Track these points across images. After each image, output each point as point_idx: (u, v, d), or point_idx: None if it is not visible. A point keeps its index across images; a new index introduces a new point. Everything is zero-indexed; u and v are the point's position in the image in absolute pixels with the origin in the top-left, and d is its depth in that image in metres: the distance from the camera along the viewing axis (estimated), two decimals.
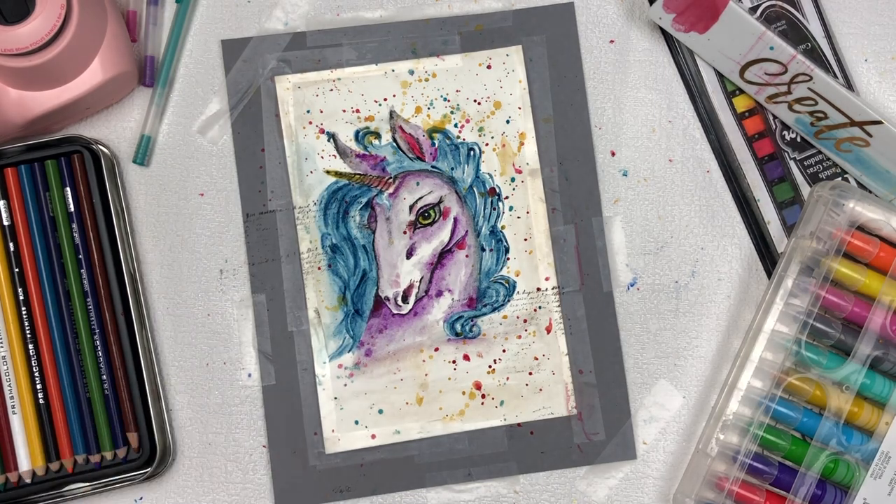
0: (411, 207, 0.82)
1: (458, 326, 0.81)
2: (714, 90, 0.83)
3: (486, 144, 0.82)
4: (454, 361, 0.81)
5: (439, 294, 0.81)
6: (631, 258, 0.82)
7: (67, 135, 0.79)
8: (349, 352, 0.81)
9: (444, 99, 0.82)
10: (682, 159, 0.83)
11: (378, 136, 0.82)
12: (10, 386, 0.78)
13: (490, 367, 0.81)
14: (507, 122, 0.82)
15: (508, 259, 0.82)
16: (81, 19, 0.73)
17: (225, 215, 0.81)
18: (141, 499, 0.80)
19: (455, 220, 0.82)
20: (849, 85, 0.83)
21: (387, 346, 0.81)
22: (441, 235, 0.82)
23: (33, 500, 0.77)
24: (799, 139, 0.83)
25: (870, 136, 0.80)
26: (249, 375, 0.80)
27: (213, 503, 0.80)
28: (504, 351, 0.81)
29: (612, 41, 0.84)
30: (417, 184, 0.82)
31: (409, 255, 0.81)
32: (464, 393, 0.81)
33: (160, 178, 0.81)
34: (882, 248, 0.78)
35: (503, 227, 0.82)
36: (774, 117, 0.83)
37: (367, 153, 0.82)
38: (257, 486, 0.80)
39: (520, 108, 0.83)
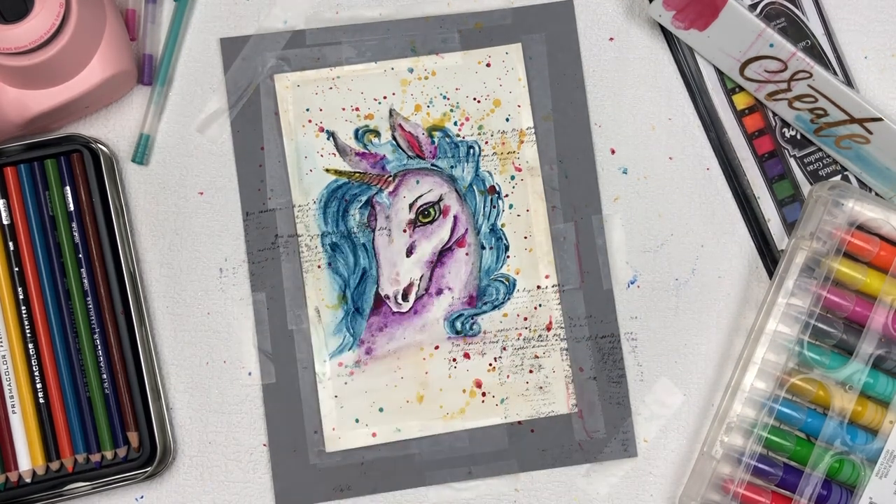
0: (411, 205, 0.81)
1: (458, 324, 0.81)
2: (714, 87, 0.83)
3: (486, 142, 0.82)
4: (454, 359, 0.81)
5: (439, 292, 0.81)
6: (631, 256, 0.82)
7: (66, 134, 0.79)
8: (349, 350, 0.80)
9: (444, 97, 0.82)
10: (682, 157, 0.83)
11: (378, 134, 0.82)
12: (10, 385, 0.78)
13: (490, 364, 0.81)
14: (507, 119, 0.82)
15: (508, 257, 0.82)
16: (80, 18, 0.73)
17: (224, 214, 0.81)
18: (141, 497, 0.80)
19: (455, 218, 0.82)
20: (848, 82, 0.83)
21: (387, 344, 0.81)
22: (441, 233, 0.82)
23: (33, 500, 0.77)
24: (799, 136, 0.83)
25: (870, 133, 0.80)
26: (249, 374, 0.80)
27: (214, 502, 0.80)
28: (504, 349, 0.81)
29: (611, 39, 0.84)
30: (417, 182, 0.82)
31: (409, 253, 0.81)
32: (464, 391, 0.81)
33: (159, 176, 0.81)
34: (882, 246, 0.78)
35: (503, 225, 0.82)
36: (774, 115, 0.83)
37: (366, 151, 0.82)
38: (257, 484, 0.80)
39: (519, 106, 0.82)
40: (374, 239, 0.81)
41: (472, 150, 0.82)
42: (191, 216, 0.81)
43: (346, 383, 0.80)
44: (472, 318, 0.81)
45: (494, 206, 0.82)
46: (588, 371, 0.81)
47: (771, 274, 0.82)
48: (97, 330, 0.78)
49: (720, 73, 0.83)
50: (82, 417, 0.78)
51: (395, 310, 0.81)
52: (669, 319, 0.82)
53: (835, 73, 0.83)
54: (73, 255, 0.78)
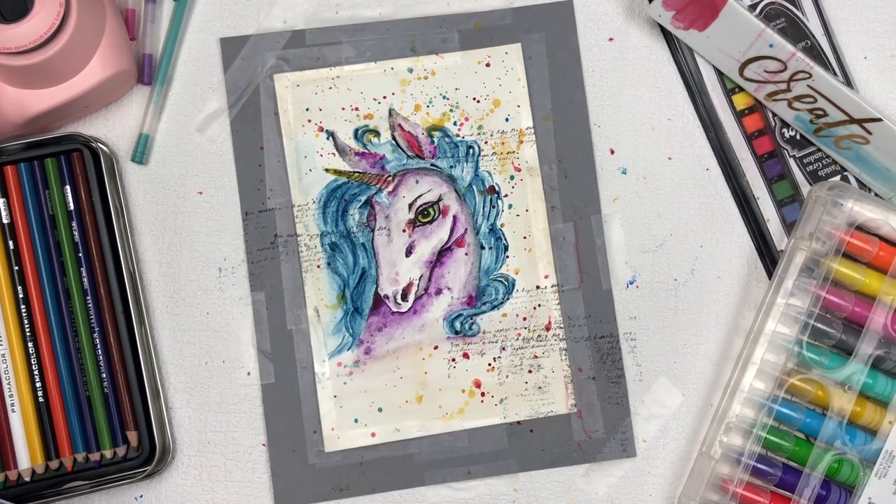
0: (410, 205, 0.81)
1: (457, 324, 0.81)
2: (713, 88, 0.83)
3: (486, 142, 0.82)
4: (454, 359, 0.81)
5: (439, 292, 0.81)
6: (630, 256, 0.82)
7: (66, 133, 0.79)
8: (349, 350, 0.81)
9: (444, 97, 0.82)
10: (682, 157, 0.83)
11: (377, 133, 0.82)
12: (9, 384, 0.78)
13: (490, 364, 0.81)
14: (507, 119, 0.82)
15: (508, 257, 0.82)
16: (80, 17, 0.73)
17: (224, 213, 0.81)
18: (141, 497, 0.80)
19: (454, 218, 0.82)
20: (848, 82, 0.83)
21: (386, 344, 0.81)
22: (440, 233, 0.82)
23: (33, 499, 0.77)
24: (798, 137, 0.83)
25: (869, 133, 0.80)
26: (249, 374, 0.80)
27: (213, 501, 0.80)
28: (503, 349, 0.81)
29: (611, 39, 0.84)
30: (417, 182, 0.82)
31: (409, 253, 0.81)
32: (463, 391, 0.81)
33: (159, 176, 0.81)
34: (882, 247, 0.78)
35: (502, 225, 0.82)
36: (774, 115, 0.83)
37: (366, 151, 0.82)
38: (257, 484, 0.80)
39: (519, 106, 0.82)
40: (373, 239, 0.81)
41: (471, 150, 0.82)
42: (190, 216, 0.81)
43: (345, 383, 0.80)
44: (472, 318, 0.81)
45: (494, 206, 0.82)
46: (587, 371, 0.81)
47: (770, 274, 0.82)
48: (97, 329, 0.78)
49: (720, 73, 0.83)
50: (82, 417, 0.78)
51: (394, 310, 0.81)
52: (668, 319, 0.82)
53: (834, 74, 0.83)
54: (73, 254, 0.78)
